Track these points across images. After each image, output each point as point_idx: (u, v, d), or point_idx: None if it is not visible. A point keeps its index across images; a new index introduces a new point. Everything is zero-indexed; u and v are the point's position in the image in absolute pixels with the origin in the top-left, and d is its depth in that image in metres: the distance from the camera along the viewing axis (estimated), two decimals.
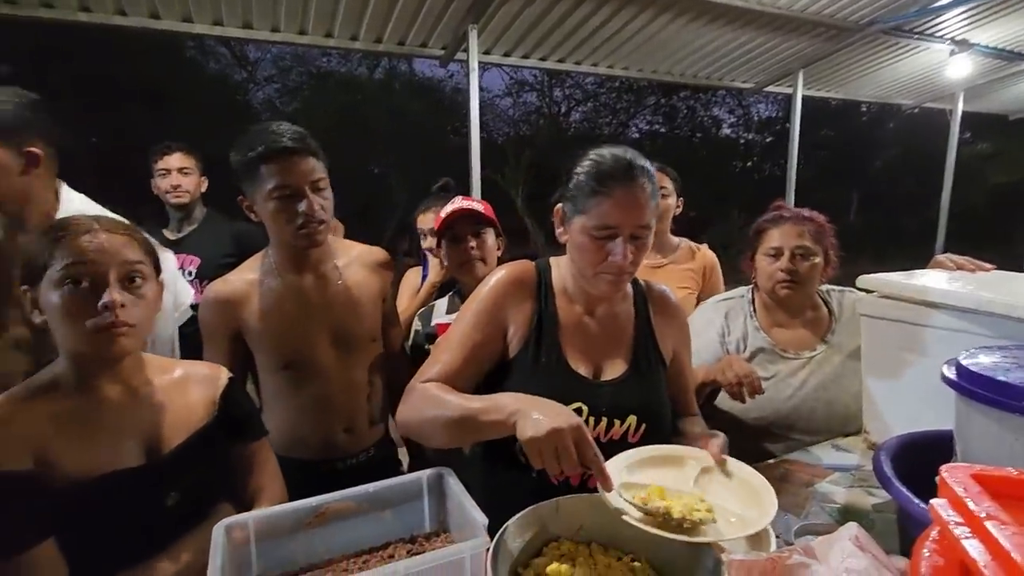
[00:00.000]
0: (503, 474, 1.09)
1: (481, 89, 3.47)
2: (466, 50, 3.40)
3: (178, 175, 2.37)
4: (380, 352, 1.51)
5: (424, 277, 2.05)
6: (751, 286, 1.68)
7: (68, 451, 0.89)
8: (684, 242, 2.30)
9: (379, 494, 0.90)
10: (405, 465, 1.66)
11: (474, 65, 3.37)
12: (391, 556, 0.87)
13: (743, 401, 1.37)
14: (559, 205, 1.08)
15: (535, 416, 0.82)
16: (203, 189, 2.47)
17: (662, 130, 16.98)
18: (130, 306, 0.90)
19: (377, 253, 1.53)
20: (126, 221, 1.00)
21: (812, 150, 15.29)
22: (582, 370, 1.08)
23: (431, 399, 0.99)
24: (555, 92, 15.15)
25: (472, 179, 3.38)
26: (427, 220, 2.05)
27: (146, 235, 1.00)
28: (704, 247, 2.31)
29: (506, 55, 3.94)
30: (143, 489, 0.94)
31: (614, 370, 1.10)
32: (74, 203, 1.39)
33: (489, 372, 1.09)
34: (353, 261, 1.46)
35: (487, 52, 3.82)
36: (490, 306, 1.08)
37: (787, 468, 1.30)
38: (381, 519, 0.92)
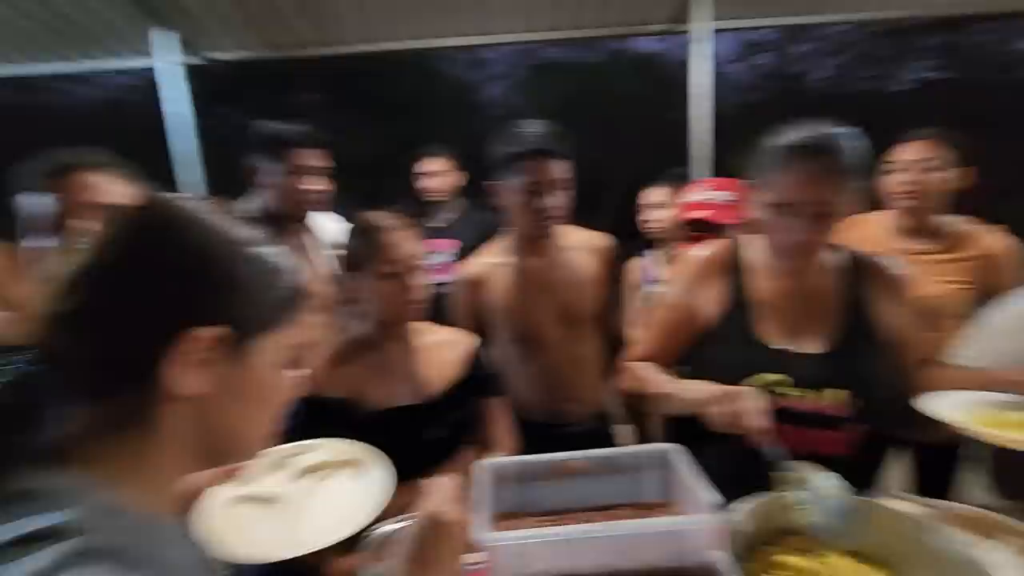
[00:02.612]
0: (737, 459, 1.08)
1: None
2: (692, 20, 3.23)
3: (434, 177, 2.82)
4: (601, 331, 1.60)
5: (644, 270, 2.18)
6: None
7: (368, 388, 1.20)
8: (961, 224, 1.82)
9: (611, 459, 0.98)
10: (623, 438, 1.74)
11: (702, 35, 3.19)
12: (618, 517, 0.94)
13: None
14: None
15: (720, 389, 0.98)
16: (460, 184, 2.88)
17: (941, 77, 13.57)
18: (423, 288, 1.19)
19: (600, 239, 1.63)
20: (406, 217, 1.27)
21: None
22: (778, 342, 1.09)
23: (643, 377, 1.20)
24: (794, 48, 13.28)
25: (696, 157, 3.22)
26: (649, 195, 2.20)
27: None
28: (994, 231, 1.79)
29: (738, 18, 3.62)
30: (414, 423, 1.21)
31: (814, 342, 1.08)
32: None
33: (693, 342, 1.19)
34: (578, 246, 1.58)
35: (717, 19, 3.56)
36: (682, 288, 1.21)
37: None
38: (610, 482, 1.00)
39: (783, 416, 1.03)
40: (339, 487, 0.92)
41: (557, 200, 1.42)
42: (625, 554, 0.80)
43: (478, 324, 1.55)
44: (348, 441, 0.99)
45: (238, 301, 0.49)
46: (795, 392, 1.05)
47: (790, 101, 12.73)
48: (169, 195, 0.51)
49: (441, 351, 1.31)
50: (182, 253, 0.47)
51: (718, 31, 3.31)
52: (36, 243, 0.88)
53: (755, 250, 1.18)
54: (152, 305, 0.46)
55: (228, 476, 0.86)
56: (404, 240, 1.18)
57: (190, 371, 0.46)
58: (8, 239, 1.01)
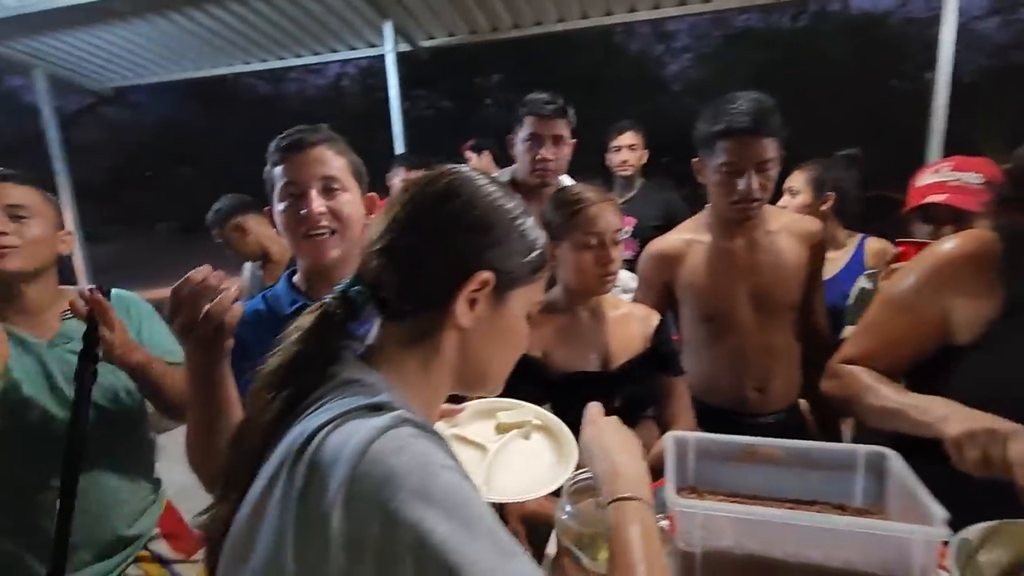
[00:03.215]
0: (968, 485, 0.94)
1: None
2: None
3: (627, 151, 2.81)
4: (800, 320, 1.49)
5: None
6: None
7: (559, 351, 1.27)
8: None
9: (809, 453, 0.92)
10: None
11: None
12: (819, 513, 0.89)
13: None
14: None
15: (966, 418, 0.84)
16: (643, 161, 2.86)
17: None
18: (619, 260, 1.23)
19: (807, 223, 1.50)
20: (604, 192, 1.30)
21: None
22: None
23: (860, 384, 1.03)
24: None
25: (932, 133, 2.73)
26: (790, 180, 2.01)
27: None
28: None
29: None
30: (599, 389, 1.24)
31: None
32: None
33: (927, 352, 1.01)
34: (782, 229, 1.47)
35: None
36: (920, 290, 1.01)
37: None
38: (806, 477, 0.93)
39: None
40: (535, 447, 1.00)
41: (762, 181, 1.32)
42: (825, 550, 0.75)
43: (664, 301, 1.53)
44: (542, 410, 1.05)
45: (505, 255, 0.61)
46: None
47: None
48: (464, 167, 0.65)
49: (627, 324, 1.33)
50: (474, 211, 0.60)
51: None
52: (277, 209, 1.01)
53: None
54: (451, 248, 0.59)
55: (443, 415, 0.99)
56: (604, 212, 1.21)
57: (467, 306, 0.59)
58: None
